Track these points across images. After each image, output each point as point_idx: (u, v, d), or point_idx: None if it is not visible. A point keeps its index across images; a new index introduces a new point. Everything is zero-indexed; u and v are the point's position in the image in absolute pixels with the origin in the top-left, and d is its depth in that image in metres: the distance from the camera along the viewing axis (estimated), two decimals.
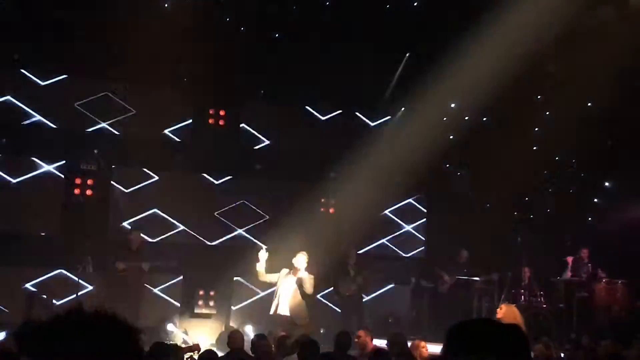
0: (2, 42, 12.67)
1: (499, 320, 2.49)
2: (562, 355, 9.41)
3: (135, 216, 13.59)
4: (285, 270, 10.84)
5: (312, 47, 13.82)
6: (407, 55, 14.49)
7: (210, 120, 14.33)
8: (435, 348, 8.09)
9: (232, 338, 8.27)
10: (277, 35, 13.86)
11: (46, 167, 13.33)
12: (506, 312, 9.44)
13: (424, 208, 15.71)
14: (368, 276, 13.21)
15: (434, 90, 13.76)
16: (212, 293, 13.32)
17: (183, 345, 8.60)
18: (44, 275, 12.79)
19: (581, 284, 13.79)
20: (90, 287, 12.51)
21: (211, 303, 13.26)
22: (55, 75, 13.59)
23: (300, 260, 10.75)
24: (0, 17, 12.58)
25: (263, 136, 14.70)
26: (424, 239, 15.63)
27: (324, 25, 13.55)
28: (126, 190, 13.65)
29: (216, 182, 14.33)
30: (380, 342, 8.85)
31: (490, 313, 12.73)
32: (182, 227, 13.80)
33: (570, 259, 13.72)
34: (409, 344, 8.07)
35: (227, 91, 14.29)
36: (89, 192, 13.47)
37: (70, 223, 13.19)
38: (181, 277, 13.35)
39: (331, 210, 14.90)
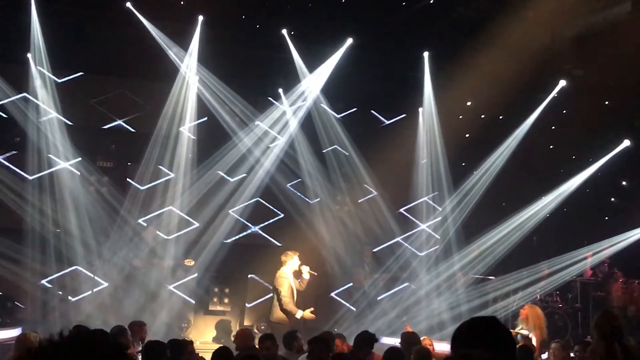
0: (18, 40, 12.75)
1: (495, 318, 2.63)
2: (572, 355, 9.29)
3: (151, 213, 13.62)
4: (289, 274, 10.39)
5: (327, 45, 13.81)
6: (424, 53, 14.40)
7: (225, 118, 14.33)
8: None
9: (241, 336, 7.72)
10: (292, 32, 13.82)
11: (62, 164, 13.38)
12: (529, 312, 9.40)
13: (439, 206, 15.61)
14: None
15: (450, 88, 13.68)
16: (226, 290, 13.35)
17: None
18: (59, 271, 12.84)
19: (597, 283, 13.68)
20: (105, 284, 12.55)
21: (225, 300, 13.28)
22: (71, 73, 13.65)
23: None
24: (15, 17, 12.64)
25: (278, 134, 14.66)
26: (439, 237, 15.53)
27: (340, 23, 13.51)
28: (141, 188, 13.66)
29: (231, 180, 14.31)
30: (395, 341, 8.82)
31: (506, 311, 12.67)
32: (197, 224, 13.79)
33: (589, 255, 13.60)
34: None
35: (242, 88, 14.26)
36: (104, 189, 13.52)
37: (86, 220, 13.21)
38: (196, 274, 13.35)
39: (346, 209, 14.86)
